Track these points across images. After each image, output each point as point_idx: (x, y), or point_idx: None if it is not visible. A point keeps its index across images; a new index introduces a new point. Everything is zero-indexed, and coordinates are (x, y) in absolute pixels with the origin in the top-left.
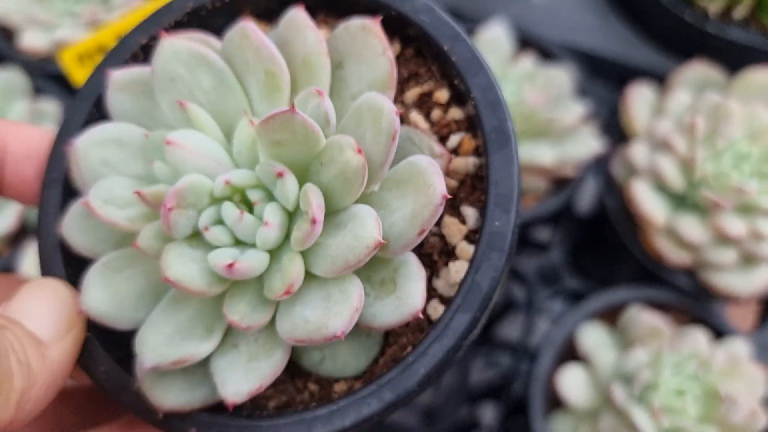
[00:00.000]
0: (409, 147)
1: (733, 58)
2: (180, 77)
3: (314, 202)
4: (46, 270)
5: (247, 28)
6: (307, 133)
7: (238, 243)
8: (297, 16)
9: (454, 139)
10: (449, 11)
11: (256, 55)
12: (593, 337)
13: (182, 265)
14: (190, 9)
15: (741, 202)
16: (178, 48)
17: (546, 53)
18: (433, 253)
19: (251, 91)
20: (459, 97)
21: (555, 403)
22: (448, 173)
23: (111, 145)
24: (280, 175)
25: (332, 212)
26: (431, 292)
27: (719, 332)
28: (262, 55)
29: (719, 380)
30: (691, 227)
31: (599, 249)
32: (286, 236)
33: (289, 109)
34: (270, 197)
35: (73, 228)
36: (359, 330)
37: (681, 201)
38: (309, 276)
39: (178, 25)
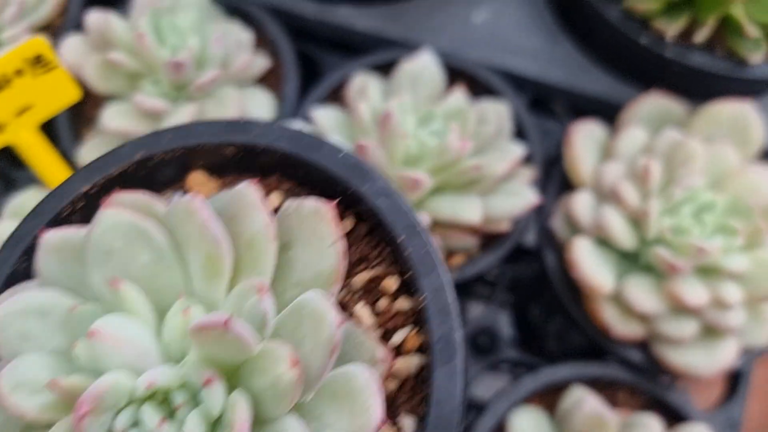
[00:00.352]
0: (350, 350)
1: (696, 87)
2: (117, 251)
3: (240, 417)
4: None
5: (193, 205)
6: (240, 345)
7: None
8: (247, 193)
9: (398, 336)
10: (379, 32)
11: (200, 236)
12: (527, 428)
13: None
14: (138, 158)
15: (702, 264)
16: (118, 221)
17: (483, 83)
18: None
19: (191, 268)
20: (408, 287)
21: None
22: (388, 376)
23: (33, 316)
24: (207, 382)
25: (261, 422)
26: None
27: (677, 415)
28: (205, 237)
29: None
30: (643, 295)
31: (541, 316)
32: None
33: (222, 323)
34: (194, 401)
35: None
36: None
37: (632, 261)
38: None
39: (124, 176)
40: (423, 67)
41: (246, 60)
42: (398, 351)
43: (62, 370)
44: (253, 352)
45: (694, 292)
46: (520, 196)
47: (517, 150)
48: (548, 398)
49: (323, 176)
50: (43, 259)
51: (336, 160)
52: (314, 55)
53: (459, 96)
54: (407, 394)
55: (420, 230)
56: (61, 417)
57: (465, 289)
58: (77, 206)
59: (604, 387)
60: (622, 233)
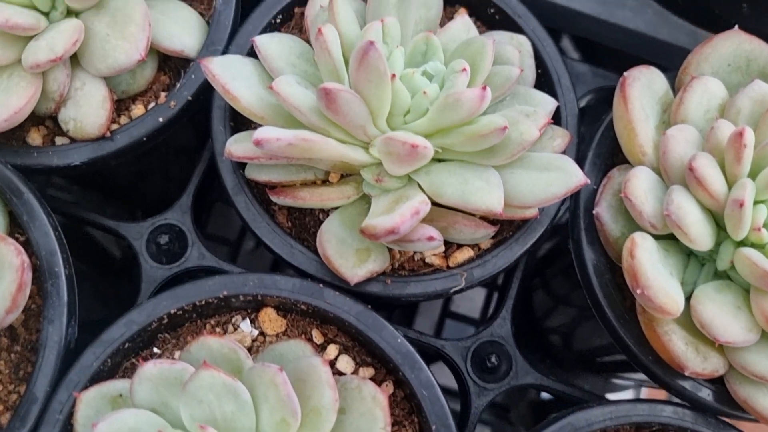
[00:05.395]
0: None
1: None
2: (207, 401)
3: None
4: None
5: (278, 379)
6: None
7: None
8: (318, 369)
9: None
10: None
11: (279, 401)
12: None
13: None
14: (222, 295)
15: None
16: (213, 382)
17: (494, 5)
18: None
19: (264, 422)
20: None
21: None
22: None
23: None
24: None
25: None
26: None
27: None
28: (284, 405)
29: None
30: (728, 319)
31: (569, 330)
32: None
33: None
34: None
35: None
36: None
37: (699, 263)
38: None
39: (207, 305)
40: None
41: None
42: None
43: None
44: None
45: None
46: (561, 173)
47: (549, 103)
48: None
49: (380, 352)
50: (138, 385)
51: (394, 344)
52: None
53: (465, 21)
54: None
55: (450, 423)
56: None
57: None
58: (163, 323)
59: None
60: (701, 233)
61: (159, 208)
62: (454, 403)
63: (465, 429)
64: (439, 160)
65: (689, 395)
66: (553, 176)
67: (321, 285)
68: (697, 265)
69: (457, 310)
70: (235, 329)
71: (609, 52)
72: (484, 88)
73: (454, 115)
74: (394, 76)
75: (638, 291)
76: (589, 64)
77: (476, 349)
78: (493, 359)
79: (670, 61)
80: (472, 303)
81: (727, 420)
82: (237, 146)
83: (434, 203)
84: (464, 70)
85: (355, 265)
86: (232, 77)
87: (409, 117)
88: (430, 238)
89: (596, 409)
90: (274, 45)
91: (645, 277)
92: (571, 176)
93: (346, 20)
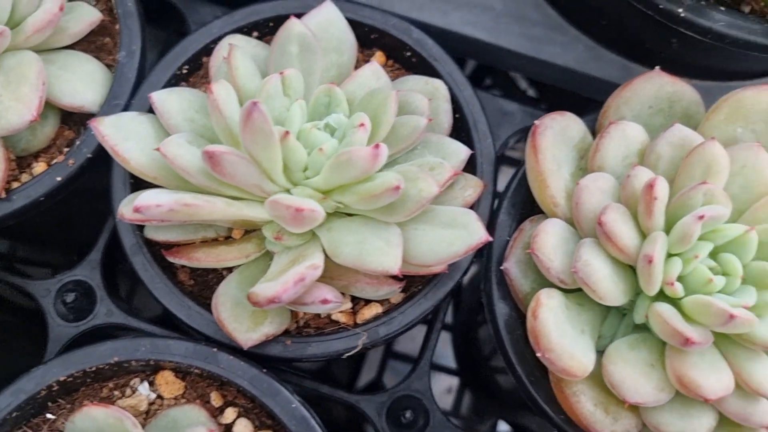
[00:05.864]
0: None
1: (717, 62)
2: None
3: None
4: None
5: None
6: None
7: None
8: None
9: None
10: None
11: None
12: None
13: None
14: (113, 361)
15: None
16: None
17: (411, 51)
18: None
19: None
20: None
21: None
22: None
23: None
24: None
25: None
26: None
27: None
28: None
29: None
30: (638, 378)
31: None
32: None
33: None
34: None
35: None
36: None
37: (616, 318)
38: None
39: (98, 371)
40: (323, 24)
41: (51, 12)
42: None
43: None
44: None
45: (716, 376)
46: (463, 230)
47: (461, 152)
48: None
49: (275, 417)
50: None
51: (288, 409)
52: (179, 6)
53: (375, 69)
54: None
55: None
56: None
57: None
58: (53, 390)
59: None
60: (611, 289)
61: (71, 262)
62: None
63: None
64: (348, 214)
65: None
66: (455, 234)
67: (215, 349)
68: (617, 316)
69: (399, 350)
70: (133, 392)
71: (561, 90)
72: (377, 147)
73: (348, 173)
74: (287, 133)
75: (540, 354)
76: (518, 103)
77: (392, 404)
78: (408, 414)
79: (607, 96)
80: (413, 343)
81: None
82: (127, 208)
83: (336, 263)
84: (362, 125)
85: (250, 328)
86: (124, 138)
87: (309, 173)
88: (324, 301)
89: None
90: (171, 101)
91: (547, 339)
92: (473, 234)
93: (244, 74)
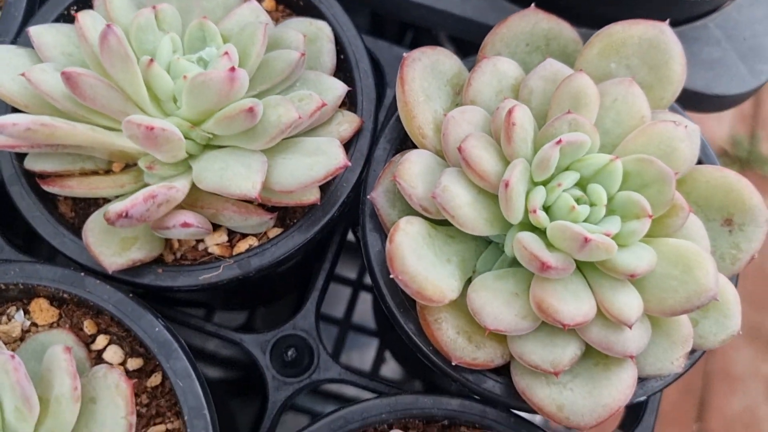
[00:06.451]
0: None
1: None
2: None
3: None
4: None
5: (6, 361)
6: None
7: None
8: (59, 357)
9: None
10: None
11: (11, 389)
12: None
13: None
14: None
15: (588, 260)
16: None
17: None
18: None
19: (6, 412)
20: None
21: None
22: None
23: None
24: None
25: None
26: None
27: None
28: (15, 391)
29: None
30: (498, 304)
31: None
32: None
33: None
34: None
35: None
36: None
37: (494, 253)
38: None
39: None
40: None
41: None
42: None
43: None
44: None
45: (575, 303)
46: (324, 156)
47: (338, 88)
48: None
49: (141, 341)
50: None
51: (151, 333)
52: None
53: (254, 7)
54: None
55: (205, 413)
56: None
57: (259, 282)
58: None
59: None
60: (472, 217)
61: None
62: None
63: (261, 424)
64: (220, 146)
65: (472, 387)
66: (316, 160)
67: (83, 273)
68: (495, 251)
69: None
70: (9, 320)
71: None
72: (233, 69)
73: (205, 97)
74: (152, 61)
75: (393, 275)
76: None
77: (276, 342)
78: (290, 353)
79: None
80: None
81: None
82: None
83: (207, 192)
84: (226, 53)
85: (116, 253)
86: None
87: (179, 104)
88: (185, 224)
89: (374, 401)
90: (49, 35)
91: (401, 262)
92: (332, 159)
93: (119, 6)
